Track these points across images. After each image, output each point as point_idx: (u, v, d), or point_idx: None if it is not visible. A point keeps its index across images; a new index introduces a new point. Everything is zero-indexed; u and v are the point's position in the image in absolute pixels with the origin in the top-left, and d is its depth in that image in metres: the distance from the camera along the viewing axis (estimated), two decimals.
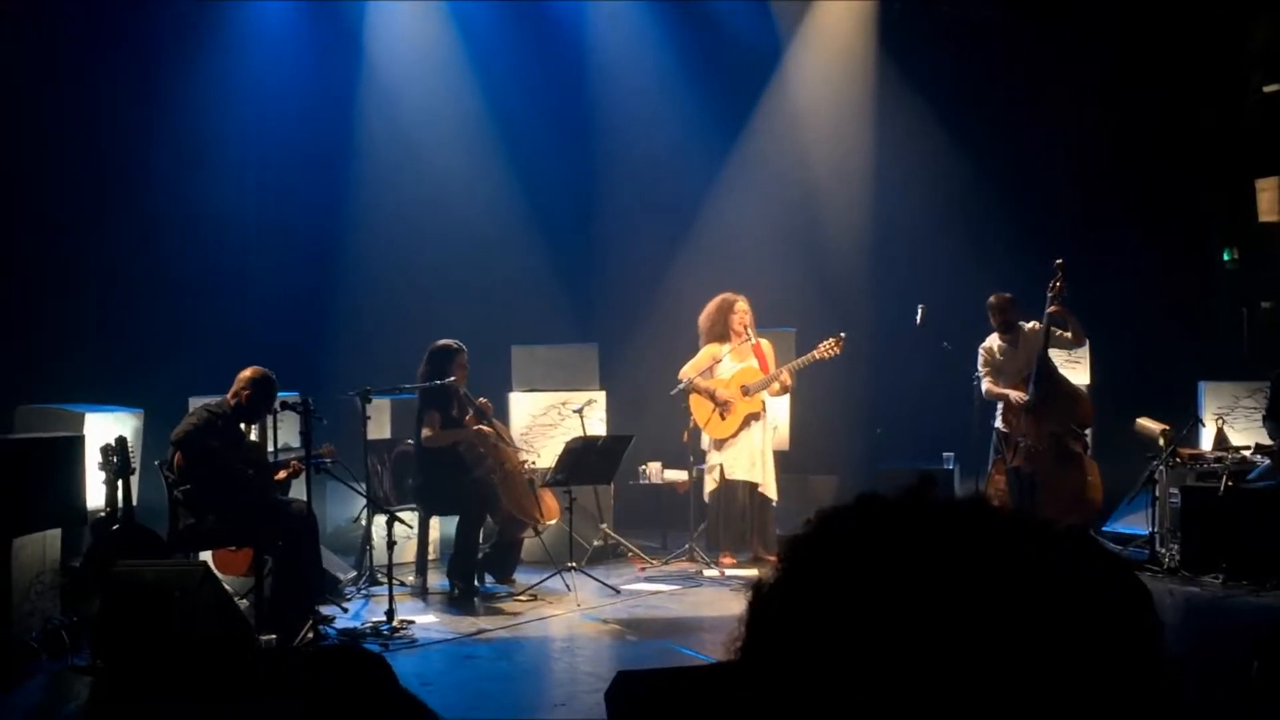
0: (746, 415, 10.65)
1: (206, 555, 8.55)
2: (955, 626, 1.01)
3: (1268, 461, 10.18)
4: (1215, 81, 13.71)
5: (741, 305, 10.74)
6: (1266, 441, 10.32)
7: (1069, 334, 10.40)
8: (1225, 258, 13.89)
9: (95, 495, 8.50)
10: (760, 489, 10.64)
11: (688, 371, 10.76)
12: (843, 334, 10.62)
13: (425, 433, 9.75)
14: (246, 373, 8.51)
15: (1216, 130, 13.65)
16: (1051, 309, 10.15)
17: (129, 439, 8.57)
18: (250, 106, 12.47)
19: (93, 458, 8.43)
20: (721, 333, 10.78)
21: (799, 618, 1.07)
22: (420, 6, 13.09)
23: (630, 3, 13.52)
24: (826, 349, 10.56)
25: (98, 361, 10.89)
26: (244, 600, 8.47)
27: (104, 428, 9.04)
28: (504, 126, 13.28)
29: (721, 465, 10.66)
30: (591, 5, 13.58)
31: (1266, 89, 13.72)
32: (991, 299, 10.63)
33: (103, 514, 8.28)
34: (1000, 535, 1.08)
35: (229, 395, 8.49)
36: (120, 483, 8.21)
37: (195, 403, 9.07)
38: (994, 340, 10.67)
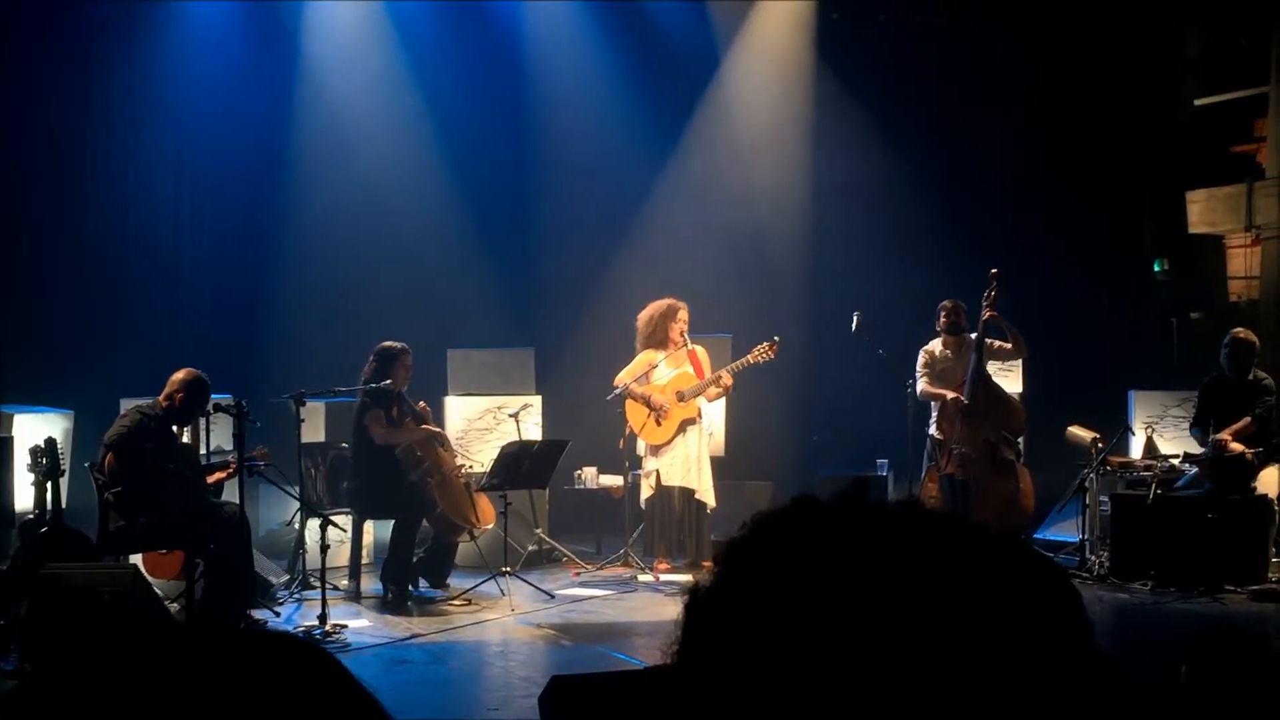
0: (682, 421, 10.66)
1: (137, 558, 8.47)
2: (890, 628, 1.02)
3: (1195, 470, 10.31)
4: (1148, 93, 13.88)
5: (683, 314, 10.75)
6: (1195, 450, 10.45)
7: (1008, 345, 10.46)
8: (1156, 269, 14.06)
9: (23, 497, 8.42)
10: (697, 495, 10.65)
11: (623, 378, 10.76)
12: (776, 338, 10.65)
13: (375, 430, 9.70)
14: (179, 375, 8.45)
15: (1149, 142, 13.82)
16: (987, 315, 10.21)
17: (58, 440, 8.48)
18: (185, 104, 12.33)
19: (21, 459, 8.34)
20: (661, 339, 10.77)
21: (735, 621, 1.08)
22: (358, 6, 13.01)
23: (569, 4, 13.50)
24: (761, 353, 10.59)
25: (27, 362, 10.77)
26: (175, 604, 8.40)
27: (33, 429, 8.94)
28: (441, 128, 13.22)
29: (658, 471, 10.67)
30: (530, 7, 13.56)
31: (1198, 102, 13.90)
32: (945, 302, 10.69)
33: (31, 516, 8.19)
34: (934, 537, 1.09)
35: (161, 397, 8.42)
36: (49, 485, 8.12)
37: (127, 404, 8.99)
38: (936, 344, 10.73)
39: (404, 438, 9.81)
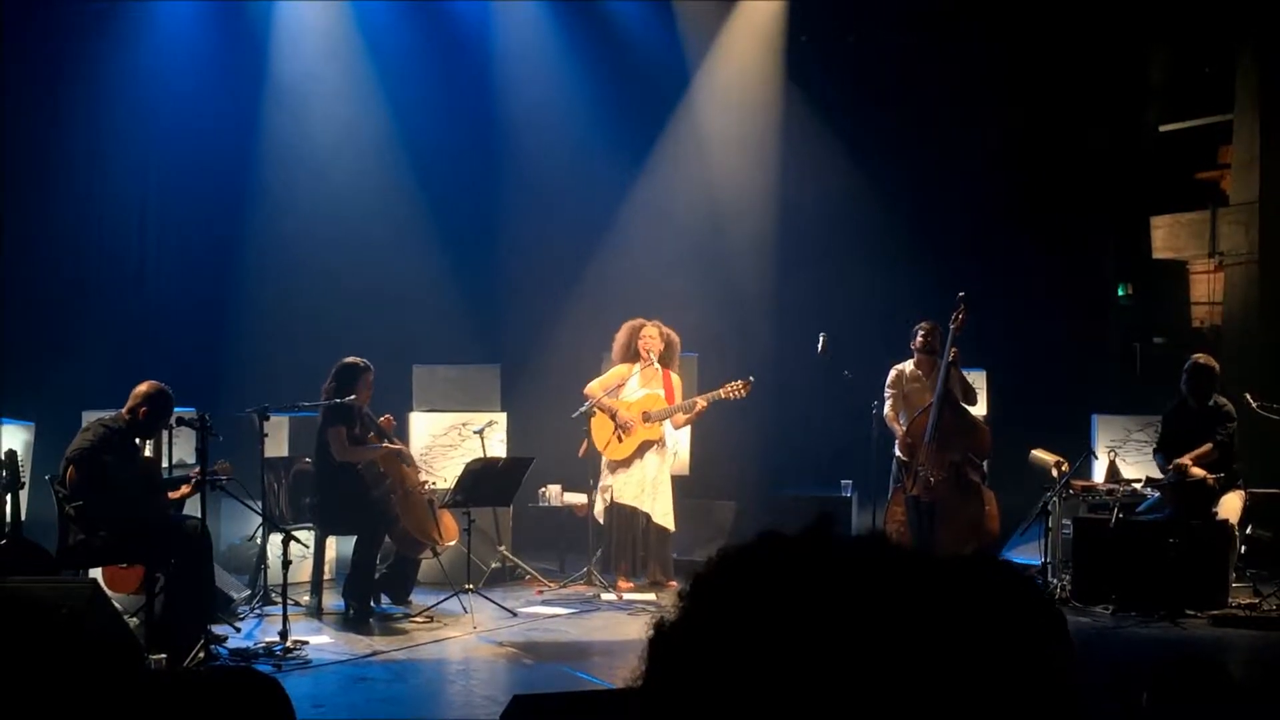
0: (643, 442, 10.65)
1: (96, 572, 8.40)
2: (856, 667, 1.02)
3: (1157, 494, 10.36)
4: (1114, 119, 13.98)
5: (649, 330, 10.75)
6: (1157, 474, 10.51)
7: (958, 387, 10.42)
8: (1120, 293, 14.15)
9: None
10: (653, 519, 10.62)
11: (594, 388, 10.75)
12: (751, 378, 10.65)
13: (336, 447, 9.66)
14: (143, 387, 8.39)
15: (1114, 167, 13.92)
16: (953, 352, 10.20)
17: (19, 453, 8.42)
18: (151, 111, 12.27)
19: None
20: (634, 355, 10.78)
21: (699, 656, 1.07)
22: (328, 14, 12.97)
23: (540, 18, 13.51)
24: (733, 389, 10.58)
25: None
26: (134, 619, 8.34)
27: None
28: (409, 141, 13.21)
29: (612, 487, 10.68)
30: (502, 19, 13.56)
31: (1163, 128, 14.01)
32: (923, 323, 10.67)
33: None
34: (900, 574, 1.08)
35: (124, 410, 8.36)
36: (9, 497, 8.06)
37: (88, 416, 8.93)
38: (908, 365, 10.74)
39: (365, 455, 9.77)
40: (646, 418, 10.63)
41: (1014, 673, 1.05)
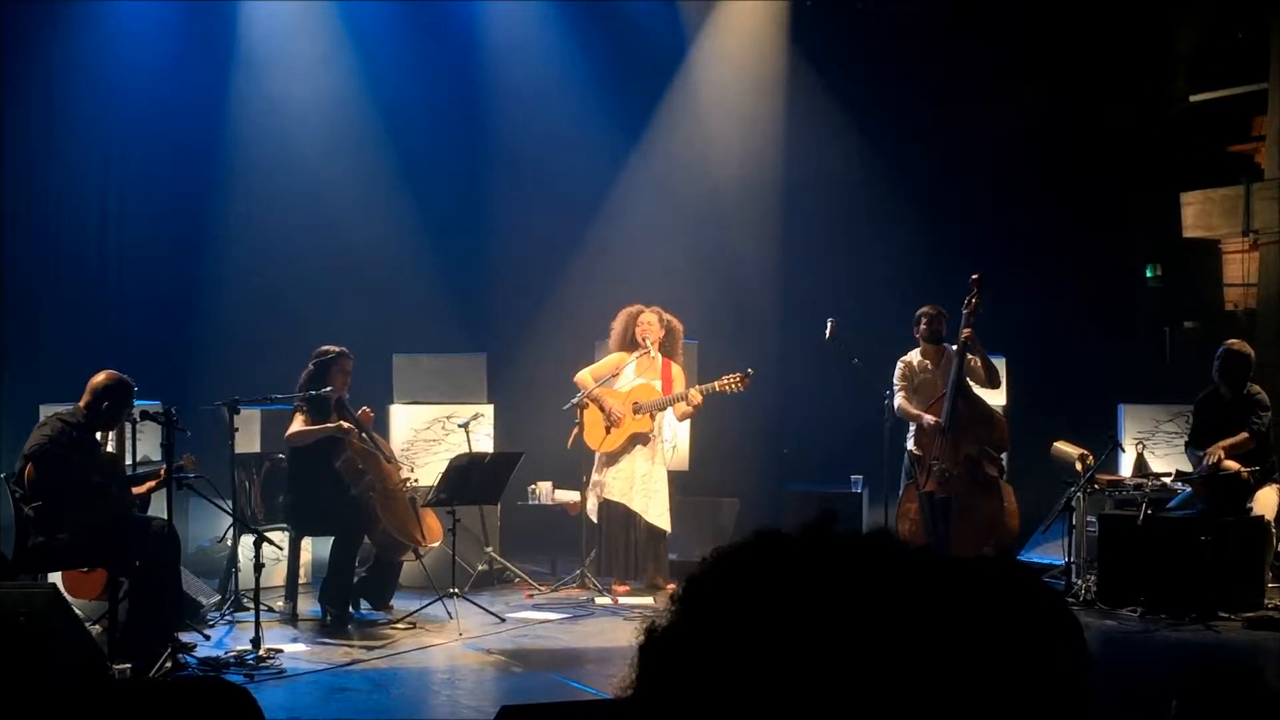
0: (632, 434, 10.63)
1: (56, 577, 8.40)
2: (854, 676, 1.01)
3: (1188, 489, 10.34)
4: (1141, 89, 13.95)
5: (648, 317, 10.71)
6: (1187, 468, 10.49)
7: (980, 368, 10.42)
8: (1148, 275, 14.13)
9: None
10: (646, 518, 10.59)
11: (585, 376, 10.73)
12: (751, 370, 10.59)
13: (290, 429, 9.66)
14: (100, 378, 8.36)
15: (1141, 140, 13.89)
16: (965, 332, 10.21)
17: None
18: (110, 94, 12.23)
19: None
20: (632, 343, 10.76)
21: (692, 664, 1.07)
22: None
23: None
24: (731, 383, 10.51)
25: None
26: (96, 626, 8.33)
27: None
28: (389, 122, 13.18)
29: (603, 483, 10.68)
30: None
31: (1194, 98, 13.98)
32: (925, 308, 10.66)
33: None
34: (905, 576, 1.08)
35: (81, 403, 8.34)
36: None
37: (46, 411, 8.91)
38: (915, 355, 10.72)
39: (312, 434, 9.67)
40: (637, 409, 10.61)
41: (1023, 683, 1.05)
